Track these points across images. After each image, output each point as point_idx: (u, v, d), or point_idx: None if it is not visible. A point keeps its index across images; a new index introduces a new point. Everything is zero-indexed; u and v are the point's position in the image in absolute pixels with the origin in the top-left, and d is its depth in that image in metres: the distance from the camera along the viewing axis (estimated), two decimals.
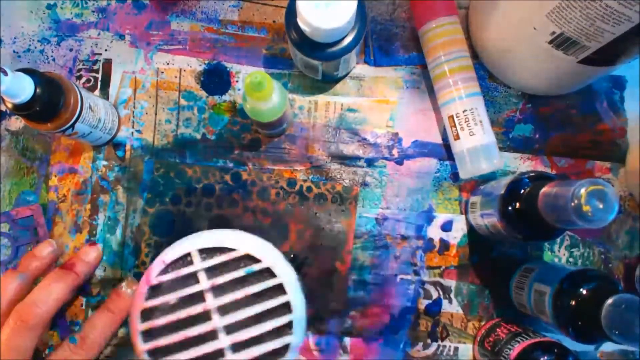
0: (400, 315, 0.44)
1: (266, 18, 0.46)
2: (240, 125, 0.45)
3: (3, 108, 0.45)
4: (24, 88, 0.34)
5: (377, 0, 0.46)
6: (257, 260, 0.31)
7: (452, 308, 0.44)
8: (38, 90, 0.35)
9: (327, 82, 0.46)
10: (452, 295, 0.44)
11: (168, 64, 0.46)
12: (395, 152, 0.45)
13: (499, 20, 0.40)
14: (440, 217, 0.45)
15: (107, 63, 0.46)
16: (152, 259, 0.35)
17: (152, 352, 0.30)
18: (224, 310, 0.31)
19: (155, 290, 0.31)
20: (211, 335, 0.30)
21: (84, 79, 0.46)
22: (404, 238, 0.45)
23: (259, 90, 0.34)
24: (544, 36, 0.36)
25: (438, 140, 0.45)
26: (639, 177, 0.43)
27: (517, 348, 0.37)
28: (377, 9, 0.46)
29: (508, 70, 0.43)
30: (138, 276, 0.44)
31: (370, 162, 0.45)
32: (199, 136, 0.45)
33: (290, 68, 0.46)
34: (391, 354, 0.44)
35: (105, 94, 0.46)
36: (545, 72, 0.41)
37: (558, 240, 0.45)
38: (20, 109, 0.35)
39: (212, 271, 0.31)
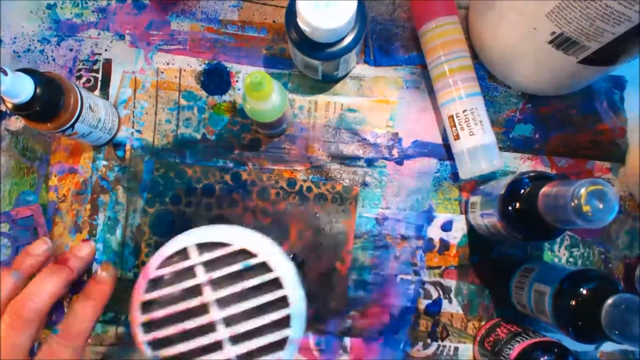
0: (400, 315, 0.44)
1: (266, 18, 0.46)
2: (240, 125, 0.45)
3: (3, 108, 0.45)
4: (24, 88, 0.34)
5: (377, 0, 0.46)
6: (253, 255, 0.32)
7: (452, 308, 0.44)
8: (38, 90, 0.35)
9: (327, 82, 0.46)
10: (452, 295, 0.44)
11: (168, 64, 0.46)
12: (395, 152, 0.45)
13: (498, 21, 0.40)
14: (440, 217, 0.45)
15: (107, 63, 0.46)
16: None
17: (152, 343, 0.31)
18: (221, 303, 0.31)
19: (155, 284, 0.32)
20: (210, 328, 0.31)
21: (84, 79, 0.46)
22: (404, 238, 0.45)
23: (259, 90, 0.34)
24: (544, 36, 0.36)
25: (438, 140, 0.45)
26: (639, 177, 0.43)
27: (517, 348, 0.37)
28: (377, 9, 0.46)
29: (508, 70, 0.43)
30: (138, 276, 0.44)
31: (370, 162, 0.45)
32: (199, 136, 0.45)
33: (290, 68, 0.46)
34: (391, 354, 0.44)
35: (105, 94, 0.46)
36: (545, 72, 0.41)
37: (558, 240, 0.45)
38: (20, 109, 0.35)
39: (209, 265, 0.32)
